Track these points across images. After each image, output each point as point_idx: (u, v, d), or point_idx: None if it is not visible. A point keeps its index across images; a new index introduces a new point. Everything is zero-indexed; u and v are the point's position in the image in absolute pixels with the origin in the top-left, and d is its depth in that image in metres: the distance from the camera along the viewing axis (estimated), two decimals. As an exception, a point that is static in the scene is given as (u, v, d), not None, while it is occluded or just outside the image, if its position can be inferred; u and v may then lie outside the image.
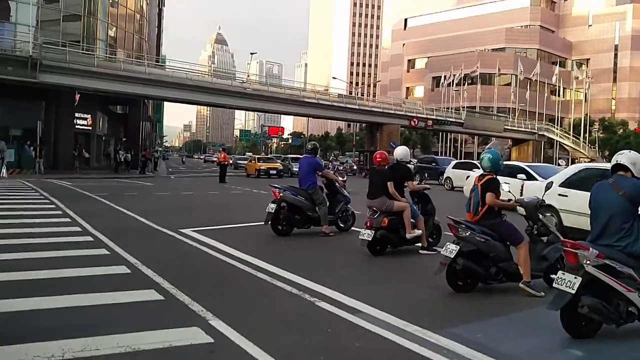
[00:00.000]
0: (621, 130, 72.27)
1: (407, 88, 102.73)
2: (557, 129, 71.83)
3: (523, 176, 14.41)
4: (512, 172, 15.07)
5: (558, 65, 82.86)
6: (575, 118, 73.72)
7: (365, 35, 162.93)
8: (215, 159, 58.56)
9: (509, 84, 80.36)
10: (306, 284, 6.06)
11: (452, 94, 73.77)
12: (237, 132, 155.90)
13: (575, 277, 4.43)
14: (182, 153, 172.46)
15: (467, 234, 5.97)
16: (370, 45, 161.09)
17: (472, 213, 6.17)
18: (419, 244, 8.35)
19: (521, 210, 6.44)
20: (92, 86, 33.72)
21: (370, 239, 7.89)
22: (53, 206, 13.55)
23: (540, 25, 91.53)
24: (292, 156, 45.34)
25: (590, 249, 4.45)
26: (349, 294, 5.64)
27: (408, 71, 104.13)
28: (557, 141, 70.93)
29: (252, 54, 65.62)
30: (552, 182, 7.18)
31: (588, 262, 4.41)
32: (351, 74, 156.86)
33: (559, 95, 79.35)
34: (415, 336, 4.42)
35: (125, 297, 5.35)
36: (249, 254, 7.72)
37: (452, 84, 74.04)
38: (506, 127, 64.13)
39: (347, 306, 5.23)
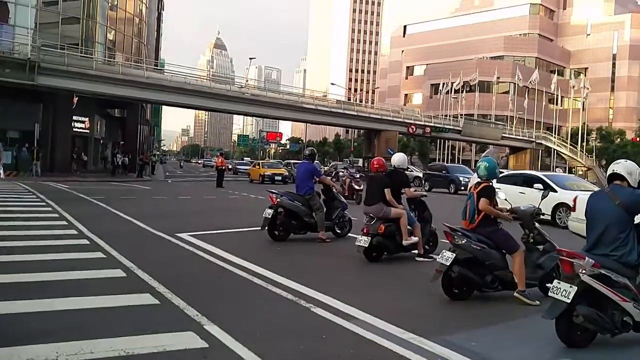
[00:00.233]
0: (618, 140, 72.49)
1: (406, 95, 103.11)
2: (554, 137, 72.05)
3: (540, 186, 14.22)
4: (529, 181, 14.96)
5: (556, 73, 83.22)
6: (573, 127, 73.96)
7: (364, 42, 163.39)
8: (214, 164, 58.23)
9: (507, 92, 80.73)
10: (302, 290, 6.05)
11: (450, 102, 74.04)
12: (235, 137, 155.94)
13: (570, 286, 4.43)
14: (180, 157, 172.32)
15: (463, 241, 5.97)
16: (369, 52, 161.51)
17: (468, 221, 6.18)
18: (416, 251, 8.35)
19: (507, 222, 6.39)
20: (90, 89, 33.72)
21: (366, 246, 7.89)
22: (49, 209, 13.51)
23: (538, 34, 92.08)
24: (294, 161, 44.91)
25: (586, 258, 4.46)
26: (345, 300, 5.63)
27: (407, 78, 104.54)
28: (554, 150, 71.15)
29: (251, 59, 66.01)
30: (548, 192, 7.18)
31: (584, 271, 4.42)
32: (350, 80, 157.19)
33: (556, 104, 79.69)
34: (411, 344, 4.41)
35: (121, 301, 5.34)
36: (245, 259, 7.71)
37: (451, 92, 74.29)
38: (504, 135, 64.30)
39: (343, 312, 5.22)
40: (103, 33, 41.88)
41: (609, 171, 4.88)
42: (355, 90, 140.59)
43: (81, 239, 9.02)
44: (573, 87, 74.14)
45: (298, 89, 66.50)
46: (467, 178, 28.08)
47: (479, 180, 6.34)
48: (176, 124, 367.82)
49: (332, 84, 77.89)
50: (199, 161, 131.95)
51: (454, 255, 5.90)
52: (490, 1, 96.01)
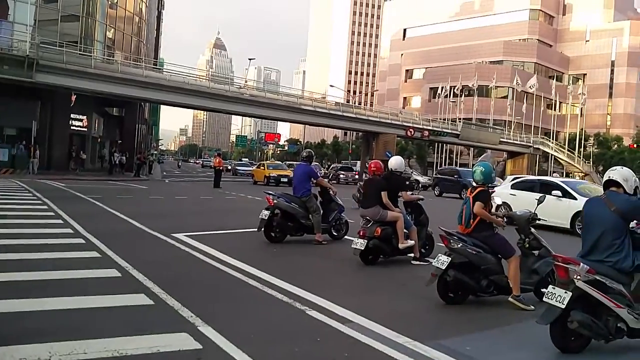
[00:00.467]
0: (616, 146, 72.69)
1: (405, 98, 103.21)
2: (552, 142, 72.19)
3: (558, 192, 13.80)
4: (547, 187, 14.45)
5: (555, 79, 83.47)
6: (571, 132, 74.14)
7: (364, 44, 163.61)
8: (212, 164, 57.52)
9: (505, 97, 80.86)
10: (297, 292, 6.04)
11: (449, 105, 74.16)
12: (233, 138, 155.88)
13: (565, 292, 4.44)
14: (178, 157, 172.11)
15: (459, 245, 5.97)
16: (369, 54, 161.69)
17: (464, 225, 6.18)
18: (412, 255, 8.35)
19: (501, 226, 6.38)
20: (89, 87, 33.65)
21: (362, 248, 7.89)
22: (45, 207, 13.48)
23: (538, 39, 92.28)
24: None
25: (581, 264, 4.47)
26: (340, 303, 5.62)
27: (406, 81, 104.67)
28: (552, 155, 71.28)
29: (250, 59, 65.76)
30: (544, 196, 7.19)
31: (578, 277, 4.43)
32: (349, 82, 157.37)
33: (555, 109, 79.80)
34: (405, 347, 4.41)
35: (115, 301, 5.33)
36: (240, 260, 7.70)
37: (450, 95, 74.37)
38: (502, 139, 64.38)
39: (338, 315, 5.22)
40: (102, 31, 41.82)
41: (605, 178, 4.90)
42: (354, 92, 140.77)
43: (77, 238, 9.00)
44: (570, 92, 74.33)
45: (297, 90, 66.52)
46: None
47: (474, 184, 6.36)
48: (174, 123, 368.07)
49: (331, 85, 78.00)
50: (197, 161, 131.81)
51: (450, 259, 5.90)
52: (490, 6, 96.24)
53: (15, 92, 31.14)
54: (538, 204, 6.89)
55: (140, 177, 35.15)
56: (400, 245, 8.09)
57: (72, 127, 37.47)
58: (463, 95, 75.02)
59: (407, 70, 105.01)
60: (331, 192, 10.40)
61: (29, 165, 29.12)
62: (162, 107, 72.60)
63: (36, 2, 35.60)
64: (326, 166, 73.43)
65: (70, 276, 6.26)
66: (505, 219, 6.51)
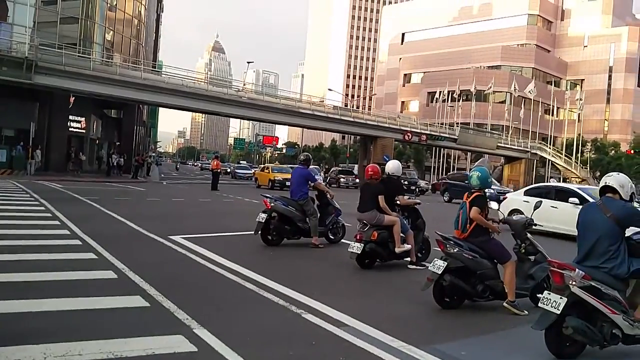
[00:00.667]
0: (613, 152, 72.80)
1: (403, 102, 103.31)
2: (549, 148, 72.31)
3: (576, 200, 13.26)
4: (563, 194, 13.96)
5: (553, 84, 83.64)
6: (568, 138, 74.28)
7: (363, 48, 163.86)
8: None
9: (503, 102, 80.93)
10: (293, 295, 6.04)
11: (446, 110, 74.28)
12: (231, 140, 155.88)
13: (560, 298, 4.44)
14: (176, 159, 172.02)
15: (455, 250, 5.98)
16: (367, 59, 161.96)
17: (460, 230, 6.19)
18: (408, 259, 8.36)
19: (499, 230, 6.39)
20: (87, 89, 33.67)
21: (359, 252, 7.90)
22: (42, 208, 13.47)
23: (536, 45, 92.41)
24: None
25: (577, 270, 4.47)
26: (336, 306, 5.63)
27: (404, 85, 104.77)
28: (549, 160, 71.40)
29: (248, 62, 66.14)
30: (540, 201, 7.20)
31: (574, 283, 4.43)
32: (347, 86, 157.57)
33: (552, 115, 79.98)
34: (400, 352, 4.41)
35: (111, 303, 5.33)
36: (237, 263, 7.70)
37: (447, 100, 74.48)
38: (499, 144, 64.48)
39: (333, 319, 5.22)
40: (101, 33, 41.85)
41: (601, 183, 4.90)
42: (353, 96, 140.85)
43: (73, 240, 8.99)
44: (568, 98, 74.52)
45: (295, 93, 66.44)
46: (492, 190, 25.52)
47: (471, 190, 6.36)
48: (173, 125, 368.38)
49: (330, 89, 78.12)
50: (195, 163, 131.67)
51: (446, 264, 5.91)
52: (488, 11, 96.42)
53: (14, 93, 31.15)
54: (534, 210, 6.91)
55: (138, 179, 35.10)
56: (397, 250, 8.10)
57: (70, 129, 37.46)
58: (461, 100, 75.20)
59: (405, 75, 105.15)
60: (328, 195, 10.42)
61: (27, 166, 29.09)
62: (161, 109, 72.68)
63: (35, 4, 35.65)
64: (324, 169, 73.40)
65: (67, 277, 6.25)
66: (500, 224, 6.52)
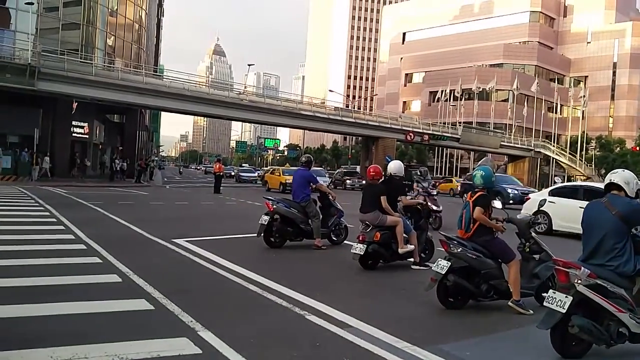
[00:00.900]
0: (618, 149, 72.46)
1: (404, 102, 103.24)
2: (553, 146, 72.12)
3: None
4: (593, 194, 12.36)
5: (556, 82, 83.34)
6: (572, 135, 74.03)
7: (363, 49, 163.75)
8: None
9: (506, 100, 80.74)
10: (296, 297, 6.04)
11: (449, 109, 74.14)
12: (233, 144, 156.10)
13: (566, 296, 4.41)
14: (179, 163, 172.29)
15: (459, 250, 5.95)
16: (368, 59, 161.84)
17: (463, 229, 6.17)
18: (411, 259, 8.34)
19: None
20: (90, 95, 33.79)
21: (362, 253, 7.88)
22: (47, 213, 13.51)
23: (538, 42, 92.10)
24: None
25: (582, 268, 4.44)
26: (339, 308, 5.62)
27: (405, 85, 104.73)
28: (553, 158, 71.18)
29: (249, 65, 66.22)
30: (545, 200, 7.18)
31: (579, 281, 4.40)
32: (348, 87, 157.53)
33: (556, 112, 79.68)
34: (405, 352, 4.40)
35: (116, 306, 5.34)
36: (240, 266, 7.70)
37: (450, 99, 74.36)
38: (503, 143, 64.35)
39: (337, 320, 5.21)
40: (103, 39, 42.02)
41: (606, 181, 4.87)
42: (354, 97, 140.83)
43: (78, 244, 9.01)
44: (572, 95, 74.32)
45: (296, 95, 66.64)
46: (517, 190, 25.12)
47: (474, 189, 6.33)
48: (175, 129, 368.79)
49: (331, 90, 78.09)
50: (198, 167, 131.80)
51: (450, 263, 5.88)
52: (490, 9, 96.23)
53: (18, 100, 31.33)
54: (539, 208, 6.89)
55: (141, 183, 35.20)
56: (400, 250, 8.08)
57: (73, 134, 37.62)
58: (463, 99, 75.05)
59: (406, 74, 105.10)
60: (330, 197, 10.41)
61: (31, 172, 29.24)
62: (163, 113, 72.74)
63: (38, 11, 35.78)
64: (325, 170, 73.28)
65: (72, 281, 6.28)
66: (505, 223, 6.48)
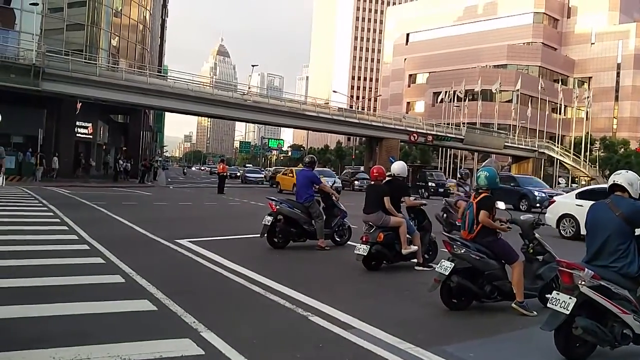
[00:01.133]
0: (622, 150, 72.25)
1: (408, 103, 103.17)
2: (557, 147, 71.93)
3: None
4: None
5: (560, 83, 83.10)
6: (576, 136, 73.81)
7: (367, 50, 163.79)
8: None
9: (510, 101, 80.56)
10: (300, 298, 6.03)
11: (452, 110, 74.02)
12: (237, 144, 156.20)
13: (569, 298, 4.39)
14: (183, 163, 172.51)
15: (462, 251, 5.93)
16: (372, 60, 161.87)
17: (467, 231, 6.15)
18: (415, 260, 8.33)
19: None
20: (94, 95, 33.89)
21: (365, 254, 7.87)
22: (51, 214, 13.54)
23: (542, 43, 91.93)
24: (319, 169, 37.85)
25: (586, 269, 4.42)
26: (343, 309, 5.61)
27: (409, 86, 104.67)
28: (557, 159, 70.99)
29: (253, 66, 66.47)
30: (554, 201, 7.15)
31: (583, 282, 4.38)
32: (352, 87, 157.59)
33: (560, 113, 79.48)
34: (408, 353, 4.39)
35: (119, 307, 5.34)
36: (244, 266, 7.69)
37: (453, 100, 74.26)
38: (506, 144, 64.23)
39: (340, 321, 5.20)
40: (107, 39, 42.12)
41: (610, 182, 4.85)
42: (358, 98, 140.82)
43: (81, 244, 9.03)
44: (576, 96, 74.12)
45: (300, 96, 66.69)
46: (543, 193, 23.99)
47: (478, 190, 6.31)
48: (179, 130, 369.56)
49: (334, 91, 78.21)
50: (202, 168, 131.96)
51: (453, 265, 5.87)
52: (493, 9, 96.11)
53: (22, 100, 31.43)
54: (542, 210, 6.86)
55: (145, 184, 35.25)
56: (404, 251, 8.07)
57: (77, 135, 37.72)
58: (467, 100, 74.89)
59: (410, 75, 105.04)
60: (334, 197, 10.40)
61: (35, 173, 29.33)
62: (167, 114, 72.91)
63: (42, 12, 35.91)
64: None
65: (75, 282, 6.28)
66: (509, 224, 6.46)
